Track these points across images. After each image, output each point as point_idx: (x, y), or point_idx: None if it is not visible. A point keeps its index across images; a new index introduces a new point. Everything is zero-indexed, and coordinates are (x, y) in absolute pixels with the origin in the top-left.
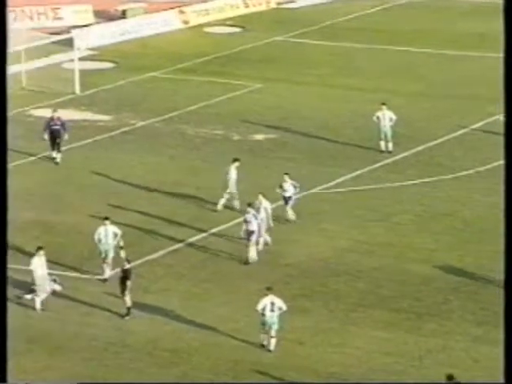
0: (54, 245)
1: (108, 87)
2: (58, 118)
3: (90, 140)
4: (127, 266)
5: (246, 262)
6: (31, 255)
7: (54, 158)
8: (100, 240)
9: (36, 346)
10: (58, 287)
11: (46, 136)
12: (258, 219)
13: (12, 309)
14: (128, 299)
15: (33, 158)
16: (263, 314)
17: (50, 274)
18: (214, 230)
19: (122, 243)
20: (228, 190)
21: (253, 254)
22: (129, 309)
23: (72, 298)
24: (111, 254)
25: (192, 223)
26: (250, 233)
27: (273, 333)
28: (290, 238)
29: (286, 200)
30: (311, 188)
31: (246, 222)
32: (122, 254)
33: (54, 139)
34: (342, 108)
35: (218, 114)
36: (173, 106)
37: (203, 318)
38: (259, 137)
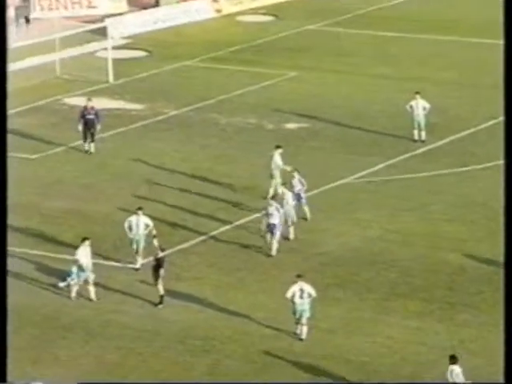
0: (88, 234)
1: (141, 76)
2: (92, 108)
3: (123, 129)
4: (160, 255)
5: (269, 256)
6: (65, 244)
7: (86, 151)
8: (131, 229)
9: (70, 333)
10: (85, 272)
11: (81, 127)
12: (281, 212)
13: (47, 297)
14: (161, 287)
15: (66, 147)
16: (293, 302)
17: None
18: (246, 219)
19: (154, 232)
20: (274, 179)
21: (274, 249)
22: (162, 297)
23: (105, 286)
24: (142, 245)
25: (224, 213)
26: (271, 226)
27: (304, 320)
28: (322, 227)
29: (297, 197)
30: (344, 177)
31: (267, 214)
32: (155, 242)
33: (88, 129)
34: (376, 97)
35: (250, 103)
36: (206, 94)
37: (236, 307)
38: (292, 126)
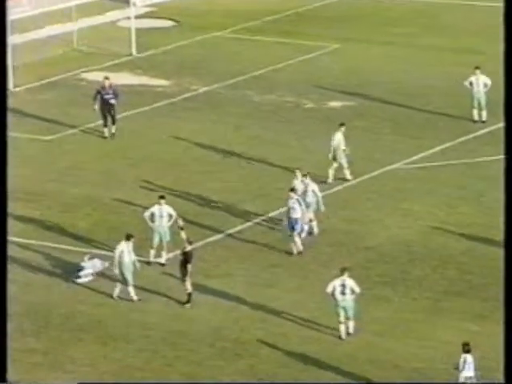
0: (106, 223)
1: (168, 48)
2: (110, 86)
3: (146, 108)
4: (188, 248)
5: (290, 253)
6: (79, 234)
7: (105, 138)
8: (153, 221)
9: (87, 334)
10: (101, 265)
11: (97, 106)
12: (303, 205)
13: (63, 294)
14: (188, 284)
15: (84, 127)
16: (334, 298)
17: (94, 256)
18: (283, 210)
19: (181, 223)
20: (337, 160)
21: (298, 245)
22: (189, 295)
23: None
24: (167, 238)
25: (258, 201)
26: (292, 221)
27: (350, 314)
28: (369, 219)
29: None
30: (393, 162)
31: (288, 208)
32: (183, 235)
33: (108, 111)
34: (430, 71)
35: (288, 78)
36: (239, 69)
37: (271, 306)
38: (335, 104)
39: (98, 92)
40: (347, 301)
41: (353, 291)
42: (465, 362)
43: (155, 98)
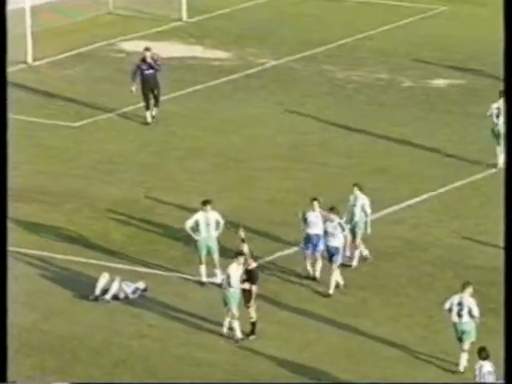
0: (147, 233)
1: (226, 11)
2: (153, 59)
3: (199, 86)
4: (252, 266)
5: (327, 295)
6: (113, 246)
7: (148, 123)
8: (198, 231)
9: (123, 372)
10: (134, 288)
11: (134, 88)
12: (346, 230)
13: (89, 323)
14: (253, 311)
15: (121, 110)
16: (453, 322)
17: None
18: (376, 215)
19: (243, 234)
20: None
21: (337, 279)
22: (253, 324)
23: (172, 307)
24: (216, 251)
25: (341, 206)
26: (332, 250)
27: (465, 346)
28: (478, 230)
29: (315, 245)
30: None
31: (326, 233)
32: (245, 248)
33: (150, 90)
34: None
35: (380, 49)
36: (317, 38)
37: (358, 339)
38: (439, 82)
39: (138, 67)
40: (464, 324)
41: (470, 314)
42: (480, 371)
43: (211, 74)
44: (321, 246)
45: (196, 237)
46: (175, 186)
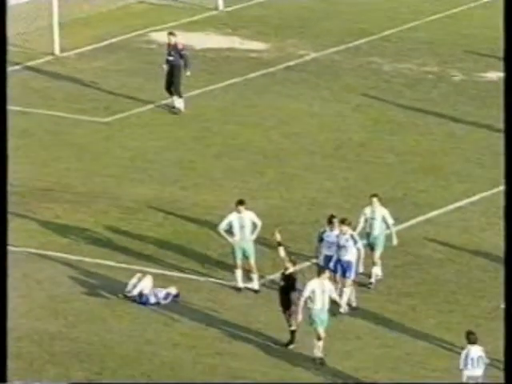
0: (182, 235)
1: (264, 0)
2: (176, 46)
3: (236, 79)
4: (291, 270)
5: (334, 314)
6: (146, 249)
7: (173, 107)
8: (232, 234)
9: (155, 381)
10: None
11: (166, 67)
12: (359, 243)
13: (119, 330)
14: (293, 319)
15: (153, 105)
16: None
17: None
18: (422, 218)
19: (279, 236)
20: None
21: (350, 298)
22: (293, 333)
23: (206, 314)
24: (252, 255)
25: (389, 206)
26: (345, 264)
27: None
28: None
29: (337, 266)
30: None
31: (338, 247)
32: (282, 252)
33: (171, 78)
34: None
35: (429, 40)
36: (362, 28)
37: (407, 348)
38: (493, 75)
39: (168, 53)
40: None
41: None
42: (467, 356)
43: (248, 66)
44: (350, 274)
45: (230, 239)
46: (211, 185)
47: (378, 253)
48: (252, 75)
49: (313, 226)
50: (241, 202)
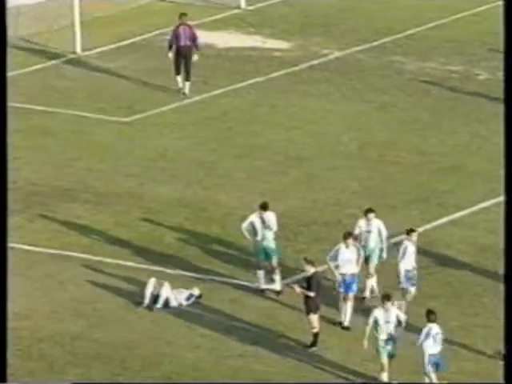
0: (204, 237)
1: None
2: (185, 29)
3: (259, 78)
4: (311, 272)
5: (345, 328)
6: (167, 250)
7: (180, 89)
8: (255, 234)
9: (176, 382)
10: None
11: (171, 55)
12: (362, 255)
13: (141, 331)
14: (315, 320)
15: (175, 104)
16: None
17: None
18: (445, 219)
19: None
20: None
21: (348, 312)
22: (316, 335)
23: (228, 315)
24: (275, 255)
25: (414, 208)
26: (348, 278)
27: None
28: None
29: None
30: None
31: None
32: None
33: (183, 61)
34: None
35: (453, 38)
36: (386, 26)
37: (463, 356)
38: None
39: (174, 37)
40: None
41: None
42: (428, 334)
43: (271, 65)
44: (354, 288)
45: (252, 240)
46: (233, 186)
47: (372, 265)
48: (275, 74)
49: (336, 226)
50: (264, 207)
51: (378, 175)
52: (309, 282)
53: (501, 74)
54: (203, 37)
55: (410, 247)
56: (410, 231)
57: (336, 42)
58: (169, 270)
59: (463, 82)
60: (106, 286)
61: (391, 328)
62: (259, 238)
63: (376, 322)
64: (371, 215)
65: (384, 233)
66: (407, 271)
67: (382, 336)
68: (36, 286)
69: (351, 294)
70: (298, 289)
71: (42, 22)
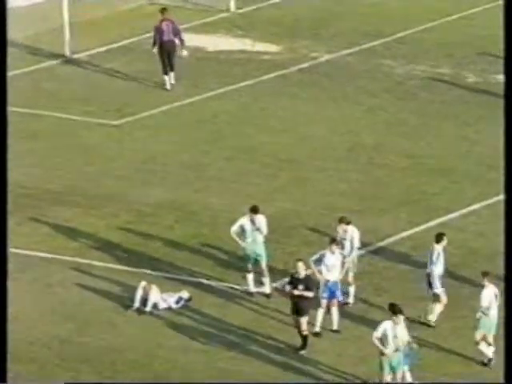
0: (194, 239)
1: (277, 1)
2: (167, 24)
3: (248, 81)
4: (302, 275)
5: (335, 331)
6: (157, 253)
7: (164, 84)
8: (245, 237)
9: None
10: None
11: (156, 49)
12: (347, 259)
13: (130, 334)
14: (304, 323)
15: (164, 107)
16: None
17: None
18: (434, 222)
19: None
20: None
21: (336, 322)
22: (305, 338)
23: (218, 318)
24: (264, 259)
25: (403, 210)
26: (332, 285)
27: None
28: None
29: (333, 292)
30: None
31: (326, 266)
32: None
33: (167, 57)
34: None
35: (442, 41)
36: (376, 29)
37: (421, 353)
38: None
39: (157, 33)
40: None
41: None
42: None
43: (260, 68)
44: (339, 294)
45: (242, 243)
46: (223, 188)
47: (351, 274)
48: (264, 77)
49: (325, 229)
50: (254, 210)
51: (367, 178)
52: (307, 284)
53: (490, 77)
54: (193, 40)
55: (442, 252)
56: (440, 236)
57: (325, 45)
58: (158, 273)
59: (452, 84)
60: (95, 289)
61: (399, 343)
62: (249, 240)
63: (385, 335)
64: (345, 225)
65: (356, 244)
66: (441, 276)
67: (389, 350)
68: (25, 289)
69: (335, 301)
70: (296, 291)
71: (33, 25)
